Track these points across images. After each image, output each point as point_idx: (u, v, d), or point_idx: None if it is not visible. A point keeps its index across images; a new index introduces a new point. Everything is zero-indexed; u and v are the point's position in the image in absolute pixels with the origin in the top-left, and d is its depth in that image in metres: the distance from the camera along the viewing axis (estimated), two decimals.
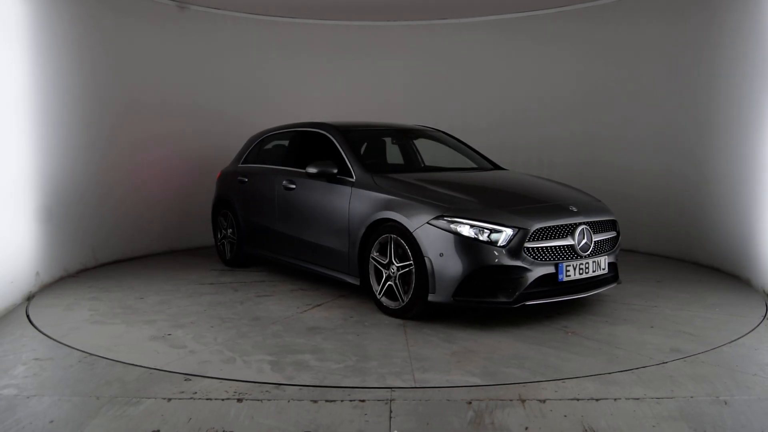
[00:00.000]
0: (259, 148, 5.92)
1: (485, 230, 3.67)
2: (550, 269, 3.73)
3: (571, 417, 2.56)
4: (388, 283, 4.07)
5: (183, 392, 2.83)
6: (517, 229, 3.68)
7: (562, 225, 3.85)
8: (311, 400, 2.74)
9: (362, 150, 5.13)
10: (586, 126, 7.03)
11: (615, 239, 4.25)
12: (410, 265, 3.88)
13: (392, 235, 4.00)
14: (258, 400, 2.74)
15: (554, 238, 3.80)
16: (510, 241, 3.66)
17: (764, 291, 4.69)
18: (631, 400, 2.72)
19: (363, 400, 2.74)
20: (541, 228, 3.75)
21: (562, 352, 3.37)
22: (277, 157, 5.62)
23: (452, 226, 3.71)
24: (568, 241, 3.84)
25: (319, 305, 4.44)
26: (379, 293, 4.14)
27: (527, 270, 3.67)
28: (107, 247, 6.03)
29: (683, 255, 6.11)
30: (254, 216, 5.57)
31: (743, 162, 5.18)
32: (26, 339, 3.67)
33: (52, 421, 2.54)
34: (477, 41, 7.57)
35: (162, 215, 6.68)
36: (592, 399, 2.74)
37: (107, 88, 5.96)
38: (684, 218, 6.08)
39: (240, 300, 4.61)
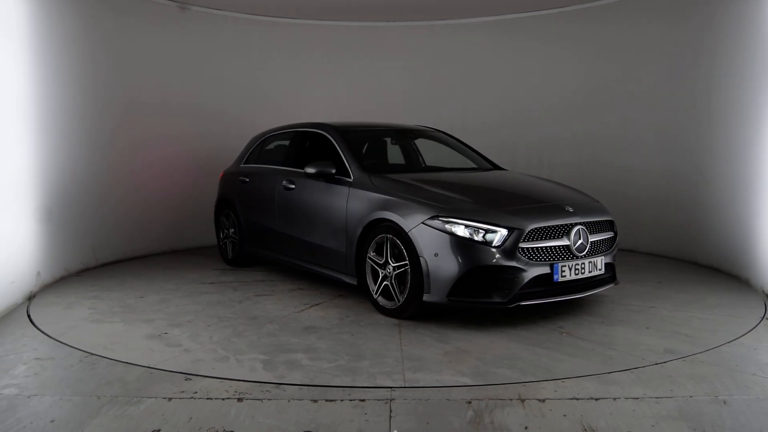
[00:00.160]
0: (260, 148, 5.95)
1: (480, 230, 3.68)
2: (546, 269, 3.73)
3: (571, 416, 2.57)
4: (385, 283, 4.08)
5: (183, 392, 2.85)
6: (512, 230, 3.68)
7: (557, 225, 3.85)
8: (311, 400, 2.75)
9: (364, 150, 5.15)
10: (587, 126, 7.02)
11: (612, 240, 4.24)
12: (406, 265, 3.89)
13: (388, 235, 4.01)
14: (258, 399, 2.76)
15: (550, 238, 3.80)
16: (505, 241, 3.66)
17: (763, 291, 4.68)
18: (631, 400, 2.72)
19: (363, 400, 2.75)
20: (536, 228, 3.75)
21: (554, 352, 3.38)
22: (277, 158, 5.64)
23: (447, 226, 3.72)
24: (564, 242, 3.83)
25: (316, 305, 4.46)
26: (376, 293, 4.16)
27: (522, 270, 3.67)
28: (108, 247, 6.06)
29: (683, 255, 6.10)
30: (255, 216, 5.60)
31: (743, 162, 5.17)
32: (27, 339, 3.70)
33: (52, 421, 2.56)
34: (477, 42, 7.57)
35: (162, 215, 6.71)
36: (592, 398, 2.74)
37: (108, 88, 6.00)
38: (684, 218, 6.07)
39: (239, 299, 4.64)
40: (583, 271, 3.89)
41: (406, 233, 3.85)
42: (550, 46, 7.20)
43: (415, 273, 3.82)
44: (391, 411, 2.64)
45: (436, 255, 3.71)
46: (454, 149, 5.51)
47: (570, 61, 7.10)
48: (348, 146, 4.77)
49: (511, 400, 2.74)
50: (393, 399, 2.76)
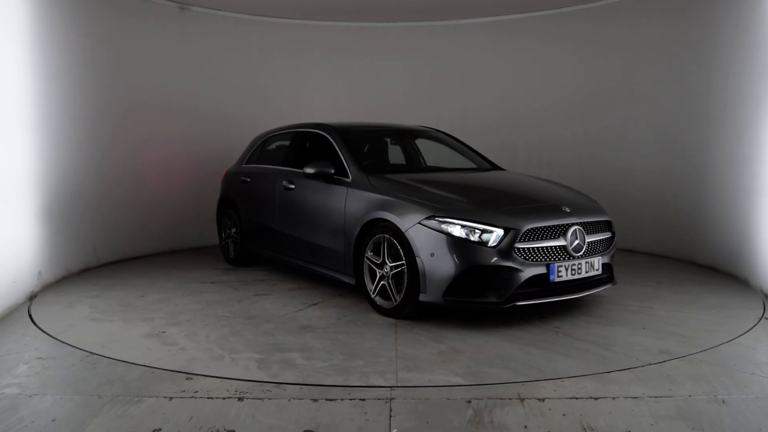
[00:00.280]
0: (261, 148, 5.97)
1: (476, 230, 3.69)
2: (542, 270, 3.74)
3: (570, 416, 2.57)
4: (382, 282, 4.10)
5: (184, 391, 2.86)
6: (508, 230, 3.69)
7: (554, 225, 3.85)
8: (311, 399, 2.77)
9: (365, 150, 5.17)
10: (587, 126, 7.02)
11: (610, 240, 4.24)
12: (403, 265, 3.90)
13: (385, 235, 4.03)
14: (259, 398, 2.77)
15: (546, 238, 3.81)
16: (501, 241, 3.67)
17: (762, 291, 4.68)
18: (630, 399, 2.73)
19: (363, 399, 2.76)
20: (532, 228, 3.76)
21: (549, 352, 3.38)
22: (278, 158, 5.67)
23: (443, 226, 3.73)
24: (560, 242, 3.84)
25: (315, 304, 4.48)
26: (373, 293, 4.18)
27: (518, 270, 3.68)
28: (109, 247, 6.10)
29: (682, 255, 6.10)
30: (256, 215, 5.62)
31: (743, 163, 5.16)
32: (28, 338, 3.72)
33: (54, 420, 2.57)
34: (477, 42, 7.58)
35: (163, 215, 6.74)
36: (591, 398, 2.75)
37: (109, 89, 6.03)
38: (683, 218, 6.06)
39: (238, 299, 4.66)
40: (579, 271, 3.90)
41: (403, 233, 3.87)
42: (550, 47, 7.20)
43: (412, 273, 3.83)
44: (391, 410, 2.65)
45: (432, 255, 3.73)
46: (453, 149, 5.52)
47: (570, 62, 7.10)
48: (347, 146, 4.78)
49: (510, 399, 2.75)
50: (393, 398, 2.77)
